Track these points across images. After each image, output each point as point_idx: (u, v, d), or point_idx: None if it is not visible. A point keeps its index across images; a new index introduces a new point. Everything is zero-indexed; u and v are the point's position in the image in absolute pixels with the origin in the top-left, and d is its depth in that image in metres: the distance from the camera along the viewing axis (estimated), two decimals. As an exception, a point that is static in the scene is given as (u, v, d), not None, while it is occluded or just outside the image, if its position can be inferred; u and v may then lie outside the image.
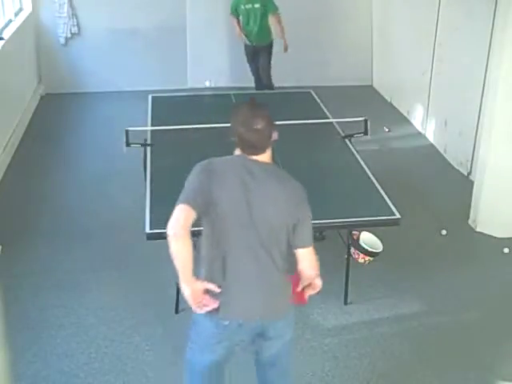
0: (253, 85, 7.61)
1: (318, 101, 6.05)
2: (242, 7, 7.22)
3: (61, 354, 3.92)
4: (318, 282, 2.87)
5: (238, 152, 2.80)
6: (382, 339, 4.11)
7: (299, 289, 2.90)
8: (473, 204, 5.47)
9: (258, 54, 7.41)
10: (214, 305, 2.69)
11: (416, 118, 7.55)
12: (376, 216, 4.21)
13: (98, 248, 4.99)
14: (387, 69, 8.49)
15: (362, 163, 4.82)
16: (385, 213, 4.23)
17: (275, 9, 7.24)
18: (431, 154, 6.86)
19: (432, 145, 7.05)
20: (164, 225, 3.92)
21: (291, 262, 2.84)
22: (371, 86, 8.90)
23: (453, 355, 4.00)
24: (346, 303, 4.42)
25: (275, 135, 2.77)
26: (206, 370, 2.95)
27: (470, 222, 5.49)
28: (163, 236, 3.96)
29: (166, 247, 4.60)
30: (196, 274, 2.68)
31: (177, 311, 4.28)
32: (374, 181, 4.58)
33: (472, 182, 5.66)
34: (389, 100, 8.33)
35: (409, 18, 7.70)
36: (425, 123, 7.30)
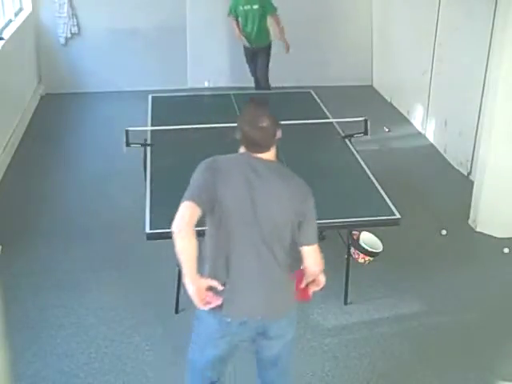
0: (253, 85, 7.61)
1: (318, 101, 6.05)
2: (241, 8, 7.18)
3: (61, 353, 3.92)
4: (322, 279, 2.90)
5: (242, 150, 2.81)
6: (382, 339, 4.11)
7: (303, 285, 2.92)
8: (473, 204, 5.47)
9: (257, 55, 7.40)
10: (218, 302, 2.70)
11: (416, 117, 7.55)
12: (376, 216, 4.21)
13: (98, 248, 4.99)
14: (387, 69, 8.49)
15: (362, 163, 4.82)
16: (385, 213, 4.23)
17: (274, 10, 7.21)
18: (431, 154, 6.86)
19: (432, 145, 7.05)
20: (164, 225, 3.94)
21: (295, 259, 2.85)
22: (371, 86, 8.91)
23: (453, 355, 4.01)
24: (346, 303, 4.42)
25: (279, 133, 2.79)
26: (208, 365, 2.96)
27: (470, 221, 5.49)
28: (163, 236, 4.00)
29: (166, 247, 4.60)
30: (200, 271, 2.69)
31: (177, 311, 4.28)
32: (374, 181, 4.58)
33: (472, 182, 5.66)
34: (389, 100, 8.33)
35: (409, 18, 7.70)
36: (425, 123, 7.30)
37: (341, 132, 5.30)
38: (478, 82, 5.94)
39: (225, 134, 4.87)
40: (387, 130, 7.38)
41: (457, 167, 6.47)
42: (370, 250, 4.11)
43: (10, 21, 7.32)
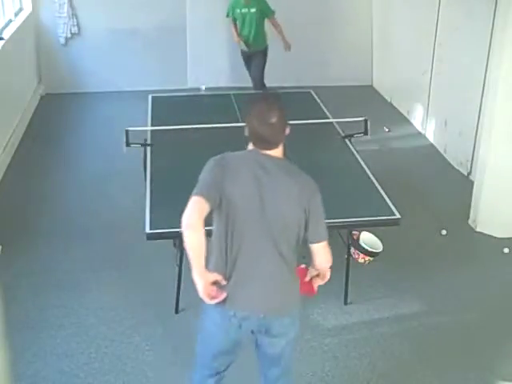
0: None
1: (318, 101, 6.05)
2: (238, 11, 7.15)
3: (61, 354, 3.92)
4: (328, 273, 2.92)
5: (250, 147, 2.82)
6: (382, 339, 4.11)
7: (307, 279, 2.94)
8: (473, 204, 5.47)
9: (252, 58, 7.37)
10: (222, 296, 2.72)
11: (416, 118, 7.55)
12: (376, 216, 4.21)
13: (98, 248, 4.98)
14: (387, 69, 8.49)
15: (362, 163, 4.82)
16: (385, 213, 4.23)
17: (272, 13, 7.18)
18: (431, 154, 6.86)
19: (432, 145, 7.05)
20: (164, 225, 3.97)
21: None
22: (371, 86, 8.90)
23: (453, 355, 4.01)
24: (346, 303, 4.42)
25: (288, 130, 2.79)
26: (213, 358, 2.98)
27: (470, 221, 5.49)
28: (163, 236, 4.02)
29: (166, 247, 4.62)
30: (206, 265, 2.71)
31: (177, 311, 4.28)
32: (374, 181, 4.58)
33: (472, 182, 5.66)
34: (389, 100, 8.33)
35: (409, 18, 7.70)
36: (425, 123, 7.30)
37: (341, 132, 5.30)
38: (477, 82, 5.94)
39: (225, 134, 4.90)
40: (387, 130, 7.38)
41: (457, 167, 6.47)
42: (370, 250, 4.11)
43: (10, 21, 7.32)
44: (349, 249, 4.21)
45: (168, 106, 5.89)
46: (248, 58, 7.44)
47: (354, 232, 4.16)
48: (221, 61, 8.50)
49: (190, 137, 5.06)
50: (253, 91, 7.38)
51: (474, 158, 6.01)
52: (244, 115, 2.82)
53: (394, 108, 8.12)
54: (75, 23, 8.19)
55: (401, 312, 4.40)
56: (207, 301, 2.69)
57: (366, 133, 5.15)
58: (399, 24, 8.00)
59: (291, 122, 2.83)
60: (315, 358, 3.92)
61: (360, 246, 4.11)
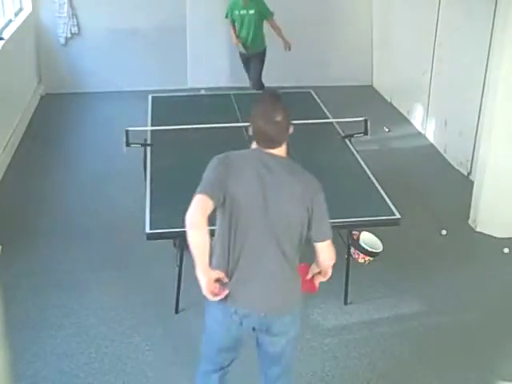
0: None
1: (318, 101, 6.05)
2: (237, 13, 7.12)
3: (61, 354, 3.92)
4: (329, 270, 2.93)
5: (254, 145, 2.83)
6: (382, 339, 4.11)
7: (309, 276, 2.95)
8: (473, 204, 5.47)
9: (250, 60, 7.35)
10: (225, 293, 2.74)
11: (416, 118, 7.55)
12: (376, 216, 4.21)
13: (98, 248, 4.98)
14: (387, 69, 8.49)
15: (362, 163, 4.82)
16: (385, 213, 4.23)
17: (271, 15, 7.15)
18: (431, 154, 6.86)
19: (432, 145, 7.05)
20: (164, 225, 3.97)
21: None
22: (371, 86, 8.90)
23: (453, 355, 4.01)
24: (346, 303, 4.42)
25: (291, 129, 2.80)
26: (216, 354, 3.01)
27: (470, 221, 5.49)
28: (163, 236, 4.02)
29: (166, 247, 4.62)
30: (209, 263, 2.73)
31: (177, 311, 4.28)
32: (374, 181, 4.58)
33: (472, 182, 5.66)
34: (389, 100, 8.33)
35: (409, 18, 7.70)
36: (425, 123, 7.30)
37: (341, 132, 5.30)
38: (478, 82, 5.94)
39: (225, 134, 4.90)
40: (387, 129, 7.38)
41: (457, 167, 6.47)
42: (370, 250, 4.11)
43: (10, 21, 7.31)
44: (349, 249, 4.21)
45: (168, 106, 5.89)
46: (247, 60, 7.42)
47: (354, 232, 4.16)
48: (221, 61, 8.50)
49: (189, 137, 5.06)
50: (252, 91, 7.39)
51: (474, 158, 6.01)
52: (248, 115, 2.82)
53: (394, 108, 8.12)
54: (75, 23, 8.19)
55: (401, 312, 4.40)
56: (210, 298, 2.71)
57: (366, 133, 5.15)
58: (399, 24, 8.00)
59: (291, 122, 2.83)
60: (315, 358, 3.92)
61: (360, 246, 4.11)
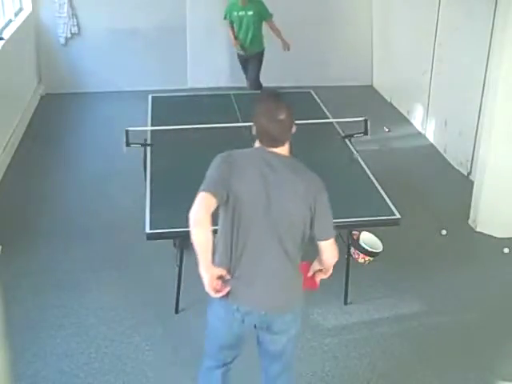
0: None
1: (318, 101, 6.05)
2: (235, 14, 7.08)
3: (61, 353, 3.92)
4: (331, 268, 2.95)
5: (257, 144, 2.84)
6: (382, 339, 4.11)
7: (310, 274, 2.97)
8: (473, 204, 5.47)
9: (248, 61, 7.32)
10: (227, 289, 2.76)
11: (416, 118, 7.55)
12: (376, 216, 4.21)
13: (98, 248, 4.98)
14: (387, 69, 8.49)
15: (362, 163, 4.82)
16: (385, 213, 4.23)
17: (270, 16, 7.11)
18: (431, 153, 6.86)
19: (432, 145, 7.05)
20: (164, 225, 3.97)
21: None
22: (371, 86, 8.90)
23: (453, 355, 4.01)
24: (346, 303, 4.42)
25: (294, 128, 2.81)
26: (218, 350, 3.03)
27: (470, 221, 5.49)
28: (163, 236, 4.01)
29: (166, 247, 4.62)
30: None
31: (177, 311, 4.28)
32: (374, 181, 4.58)
33: (472, 182, 5.66)
34: (389, 100, 8.33)
35: (409, 18, 7.70)
36: (425, 123, 7.30)
37: (341, 132, 5.30)
38: (477, 82, 5.94)
39: (225, 134, 4.90)
40: (387, 130, 7.38)
41: (457, 167, 6.47)
42: (370, 250, 4.10)
43: (10, 21, 7.31)
44: (349, 249, 4.21)
45: (168, 106, 5.89)
46: (245, 61, 7.39)
47: (354, 232, 4.16)
48: (221, 61, 8.50)
49: (189, 137, 5.06)
50: (252, 91, 7.39)
51: (474, 158, 6.01)
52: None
53: (394, 108, 8.12)
54: (75, 23, 8.19)
55: (401, 312, 4.40)
56: (212, 294, 2.73)
57: (366, 133, 5.15)
58: (399, 24, 8.00)
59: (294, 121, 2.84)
60: (315, 358, 3.93)
61: (360, 246, 4.11)
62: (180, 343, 4.03)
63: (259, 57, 7.28)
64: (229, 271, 2.77)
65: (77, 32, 8.24)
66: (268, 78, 7.46)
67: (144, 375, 3.77)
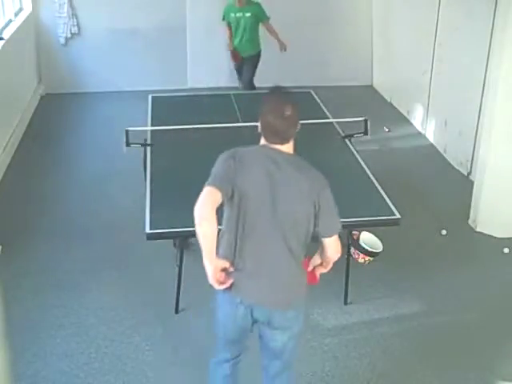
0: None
1: (318, 101, 6.05)
2: (232, 15, 7.06)
3: (61, 353, 3.92)
4: (331, 263, 2.98)
5: (262, 141, 2.85)
6: (382, 339, 4.11)
7: (310, 268, 2.98)
8: (473, 204, 5.47)
9: (243, 64, 7.27)
10: (230, 281, 2.79)
11: (416, 118, 7.55)
12: (376, 216, 4.21)
13: (98, 248, 4.98)
14: (387, 69, 8.49)
15: (362, 163, 4.82)
16: (385, 213, 4.23)
17: (267, 19, 7.08)
18: (431, 153, 6.85)
19: (432, 145, 7.05)
20: (164, 225, 3.96)
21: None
22: (371, 86, 8.90)
23: (453, 355, 4.01)
24: (346, 303, 4.42)
25: (299, 125, 2.83)
26: (224, 344, 3.08)
27: (470, 221, 5.49)
28: (163, 236, 4.01)
29: (166, 247, 4.62)
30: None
31: (177, 311, 4.28)
32: (374, 181, 4.58)
33: (472, 182, 5.66)
34: (389, 100, 8.33)
35: (409, 18, 7.70)
36: (425, 123, 7.30)
37: (341, 132, 5.30)
38: (478, 82, 5.94)
39: (225, 134, 4.90)
40: (387, 130, 7.38)
41: (457, 167, 6.47)
42: (370, 250, 4.10)
43: (10, 21, 7.31)
44: (349, 249, 4.21)
45: (168, 106, 5.89)
46: (239, 64, 7.31)
47: (353, 232, 4.15)
48: (221, 61, 8.48)
49: (190, 137, 5.06)
50: (252, 92, 7.38)
51: (474, 158, 6.01)
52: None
53: (394, 108, 8.12)
54: (75, 23, 8.19)
55: (401, 312, 4.40)
56: (216, 286, 2.76)
57: (366, 133, 5.15)
58: (399, 24, 8.00)
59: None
60: (315, 358, 3.92)
61: (360, 246, 4.11)
62: (180, 343, 4.03)
63: (255, 59, 7.23)
64: (232, 264, 2.80)
65: (77, 32, 8.24)
66: (268, 78, 7.39)
67: (144, 375, 3.77)
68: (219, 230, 2.76)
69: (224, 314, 2.95)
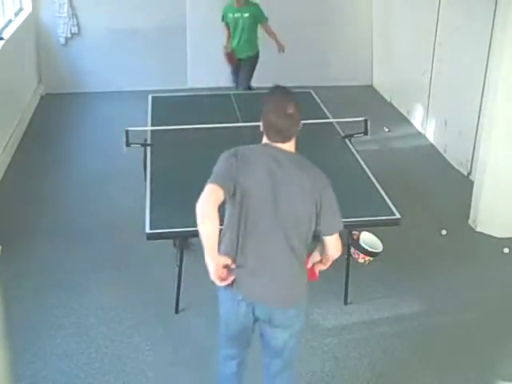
0: (254, 84, 7.55)
1: (318, 101, 6.05)
2: (230, 16, 7.02)
3: (61, 353, 3.92)
4: (331, 260, 2.99)
5: (264, 140, 2.87)
6: (382, 339, 4.11)
7: (309, 265, 2.99)
8: (473, 204, 5.47)
9: (240, 66, 7.22)
10: (231, 278, 2.80)
11: (416, 118, 7.55)
12: (376, 216, 4.21)
13: (98, 248, 4.98)
14: (387, 69, 8.49)
15: (362, 163, 4.82)
16: (385, 213, 4.23)
17: (265, 20, 7.04)
18: (431, 153, 6.85)
19: (432, 145, 7.05)
20: (164, 225, 3.97)
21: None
22: (371, 86, 8.90)
23: (453, 355, 4.01)
24: (346, 303, 4.42)
25: (300, 124, 2.85)
26: (226, 341, 3.10)
27: (470, 221, 5.49)
28: (163, 236, 4.02)
29: (166, 247, 4.61)
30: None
31: (177, 311, 4.28)
32: (374, 181, 4.58)
33: (472, 182, 5.66)
34: (389, 100, 8.33)
35: (409, 18, 7.70)
36: (425, 123, 7.30)
37: (341, 132, 5.30)
38: (478, 82, 5.94)
39: (225, 134, 4.90)
40: (387, 130, 7.38)
41: (457, 167, 6.47)
42: (370, 250, 4.10)
43: (10, 21, 7.31)
44: (349, 249, 4.21)
45: (168, 106, 5.89)
46: (236, 66, 7.27)
47: (353, 232, 4.15)
48: (221, 61, 8.45)
49: (189, 137, 5.06)
50: (252, 92, 7.37)
51: (474, 158, 6.01)
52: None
53: (394, 108, 8.12)
54: (75, 23, 8.19)
55: (401, 312, 4.40)
56: (217, 283, 2.77)
57: (366, 133, 5.15)
58: (399, 24, 8.00)
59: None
60: (315, 358, 3.92)
61: (360, 246, 4.11)
62: (180, 343, 4.03)
63: (253, 61, 7.18)
64: (234, 261, 2.81)
65: (77, 32, 8.24)
66: (267, 78, 7.39)
67: (144, 375, 3.77)
68: (220, 229, 2.77)
69: (226, 311, 2.97)
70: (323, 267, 3.03)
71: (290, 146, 2.85)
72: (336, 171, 4.75)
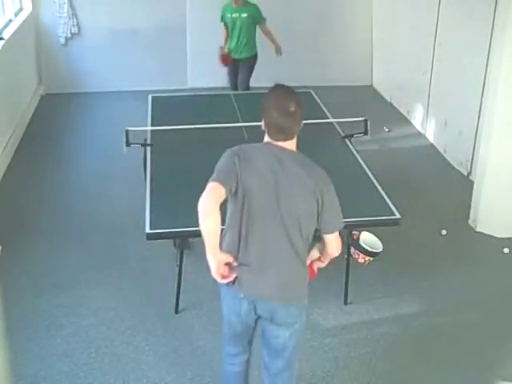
0: (254, 84, 7.54)
1: (318, 101, 6.05)
2: (229, 16, 6.99)
3: (61, 353, 3.91)
4: (329, 258, 3.01)
5: (266, 138, 2.87)
6: (381, 339, 4.11)
7: (308, 263, 2.99)
8: (473, 204, 5.47)
9: (239, 67, 7.17)
10: (233, 275, 2.81)
11: (416, 118, 7.55)
12: (376, 216, 4.21)
13: (98, 248, 4.98)
14: (387, 69, 8.49)
15: (362, 163, 4.82)
16: (385, 213, 4.23)
17: (263, 20, 7.01)
18: (431, 153, 6.86)
19: (432, 145, 7.05)
20: (164, 225, 3.97)
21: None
22: (371, 86, 8.91)
23: (453, 355, 4.00)
24: (346, 303, 4.42)
25: (302, 122, 2.85)
26: (229, 339, 3.12)
27: (470, 221, 5.49)
28: (163, 236, 4.02)
29: (166, 247, 4.61)
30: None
31: (177, 311, 4.28)
32: (374, 181, 4.58)
33: (472, 182, 5.66)
34: (389, 100, 8.33)
35: (409, 18, 7.70)
36: (425, 123, 7.30)
37: (341, 132, 5.30)
38: (477, 82, 5.94)
39: (225, 134, 4.90)
40: (387, 130, 7.38)
41: (457, 167, 6.47)
42: (370, 250, 4.09)
43: (10, 21, 7.32)
44: (349, 249, 4.20)
45: (168, 106, 5.89)
46: (234, 67, 7.24)
47: (353, 232, 4.15)
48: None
49: (189, 137, 5.06)
50: (255, 91, 7.35)
51: (474, 158, 6.01)
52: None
53: (394, 108, 8.12)
54: (75, 23, 8.19)
55: (401, 312, 4.40)
56: (219, 280, 2.78)
57: (366, 133, 5.15)
58: (399, 24, 8.00)
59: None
60: (315, 358, 3.92)
61: (360, 246, 4.10)
62: (180, 343, 4.03)
63: (251, 62, 7.14)
64: (236, 259, 2.82)
65: (77, 32, 8.24)
66: (268, 78, 7.41)
67: (144, 375, 3.77)
68: (222, 227, 2.78)
69: (228, 308, 2.98)
70: (322, 265, 3.04)
71: (291, 145, 2.85)
72: (336, 171, 4.73)
